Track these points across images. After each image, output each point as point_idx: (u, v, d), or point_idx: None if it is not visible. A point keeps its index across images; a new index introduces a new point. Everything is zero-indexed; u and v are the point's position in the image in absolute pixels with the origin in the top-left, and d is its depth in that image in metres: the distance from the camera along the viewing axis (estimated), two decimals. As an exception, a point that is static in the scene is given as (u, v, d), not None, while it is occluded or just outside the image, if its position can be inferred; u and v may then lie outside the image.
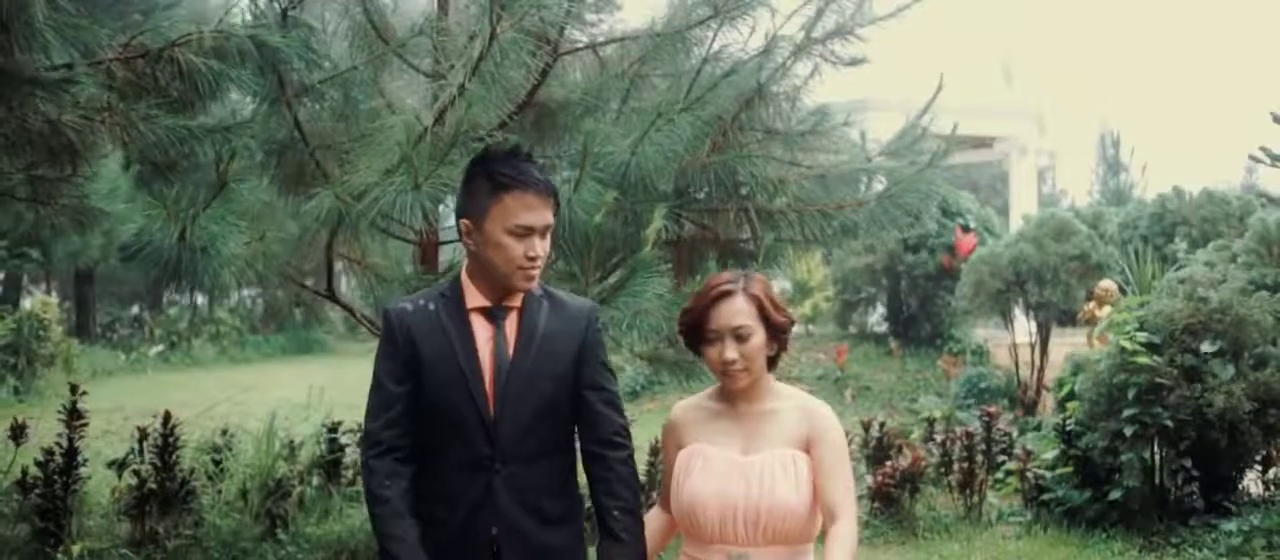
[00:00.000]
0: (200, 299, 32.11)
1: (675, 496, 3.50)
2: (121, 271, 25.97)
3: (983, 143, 27.45)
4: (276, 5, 5.75)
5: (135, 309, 30.95)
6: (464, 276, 3.50)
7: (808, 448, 3.43)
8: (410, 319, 3.44)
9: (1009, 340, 17.49)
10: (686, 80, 5.90)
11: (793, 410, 3.51)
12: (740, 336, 3.42)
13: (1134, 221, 21.02)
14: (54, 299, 18.66)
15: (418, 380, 3.41)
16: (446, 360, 3.40)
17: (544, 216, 3.40)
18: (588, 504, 3.58)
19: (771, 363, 3.55)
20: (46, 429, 8.32)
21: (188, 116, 5.77)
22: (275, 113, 5.98)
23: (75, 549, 7.16)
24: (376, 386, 3.46)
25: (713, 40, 6.09)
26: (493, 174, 3.38)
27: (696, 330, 3.50)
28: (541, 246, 3.40)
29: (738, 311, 3.44)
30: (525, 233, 3.35)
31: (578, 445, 3.59)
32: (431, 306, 3.47)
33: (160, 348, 24.17)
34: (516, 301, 3.48)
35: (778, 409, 3.51)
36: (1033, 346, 16.75)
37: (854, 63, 6.32)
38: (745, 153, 6.03)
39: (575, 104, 6.22)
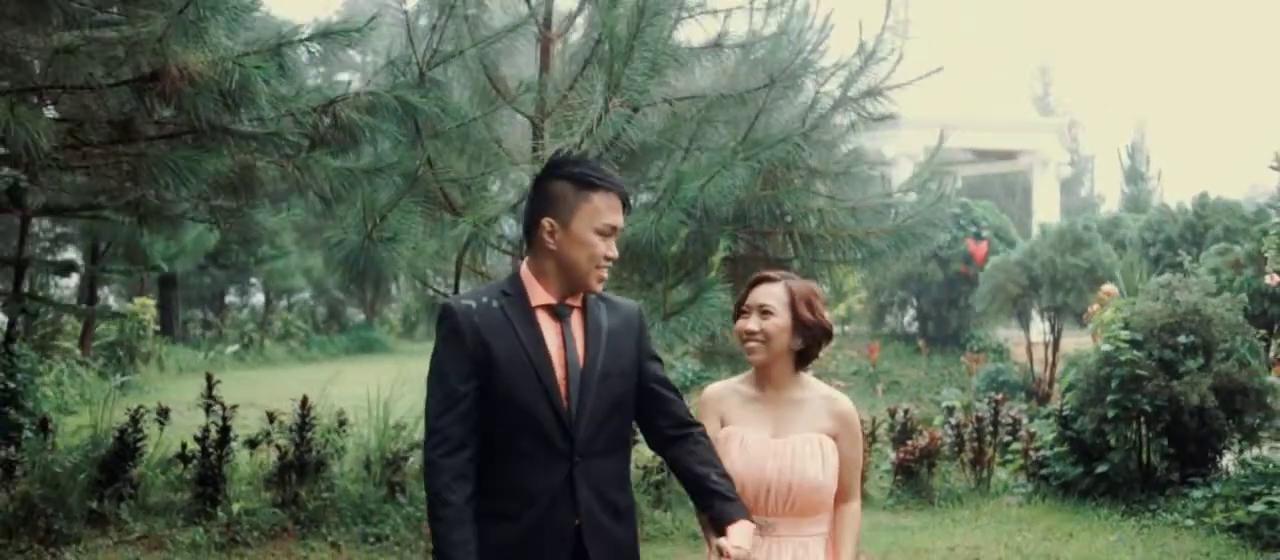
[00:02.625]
0: (259, 299, 33.81)
1: None
2: (191, 277, 27.47)
3: (1009, 155, 28.79)
4: (414, 68, 7.20)
5: (198, 312, 32.36)
6: (526, 274, 3.54)
7: (834, 435, 3.73)
8: (477, 317, 3.44)
9: (1026, 340, 18.87)
10: (743, 128, 7.33)
11: (818, 400, 3.78)
12: (764, 312, 3.71)
13: (1156, 225, 21.84)
14: (151, 301, 20.10)
15: (485, 378, 3.42)
16: (518, 357, 3.42)
17: (621, 218, 3.55)
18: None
19: (801, 360, 3.80)
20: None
21: (344, 159, 7.25)
22: (411, 152, 7.43)
23: (234, 508, 8.66)
24: (440, 382, 3.45)
25: (767, 99, 7.48)
26: (578, 176, 3.49)
27: (738, 306, 3.84)
28: (615, 250, 3.54)
29: (769, 293, 3.75)
30: (610, 231, 3.49)
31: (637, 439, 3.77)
32: (495, 304, 3.48)
33: (235, 347, 25.67)
34: (578, 301, 3.57)
35: (805, 398, 3.78)
36: (1047, 345, 18.08)
37: (883, 118, 7.70)
38: (791, 189, 7.44)
39: (652, 145, 7.65)
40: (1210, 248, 16.06)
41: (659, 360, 3.76)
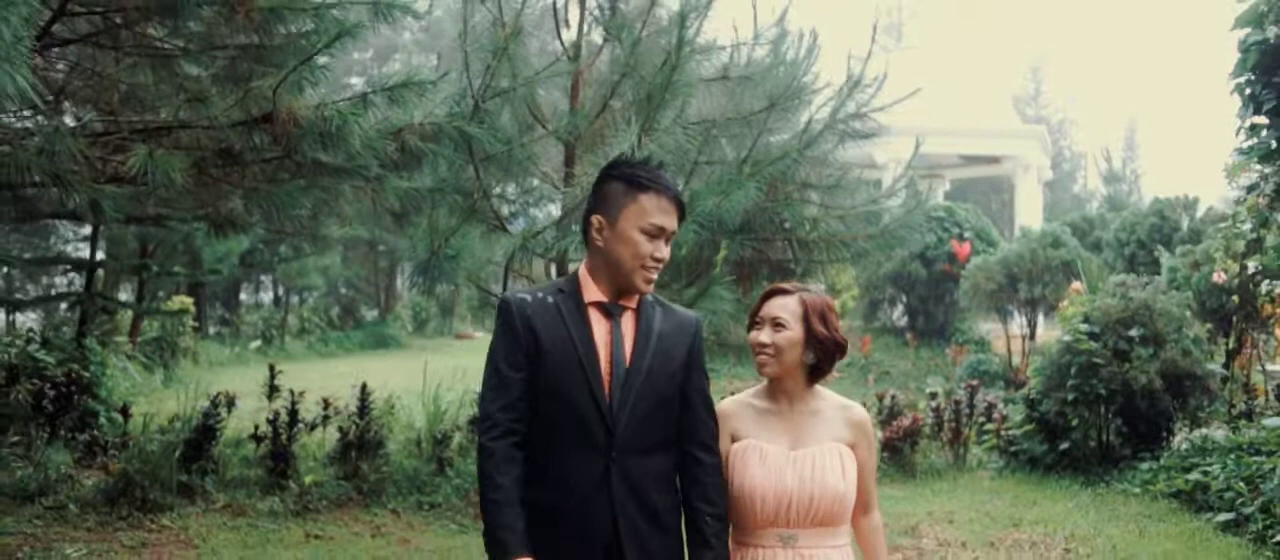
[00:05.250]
0: (269, 297, 34.91)
1: (730, 485, 3.70)
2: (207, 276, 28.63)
3: (994, 160, 30.21)
4: (469, 101, 8.39)
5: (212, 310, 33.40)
6: (583, 273, 3.61)
7: (851, 444, 3.70)
8: (530, 310, 3.51)
9: (1005, 333, 20.17)
10: (746, 145, 8.59)
11: (834, 410, 3.75)
12: (776, 325, 3.67)
13: (1130, 226, 22.84)
14: (190, 300, 21.31)
15: (535, 368, 3.48)
16: (565, 350, 3.48)
17: (672, 221, 3.55)
18: None
19: (813, 375, 3.74)
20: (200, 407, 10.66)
21: (406, 180, 8.47)
22: (465, 172, 8.64)
23: (306, 480, 9.91)
24: (494, 371, 3.52)
25: (767, 121, 8.73)
26: (631, 177, 3.52)
27: (751, 318, 3.81)
28: (665, 251, 3.54)
29: (783, 306, 3.70)
30: (656, 232, 3.50)
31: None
32: (550, 299, 3.54)
33: (257, 343, 26.91)
34: (632, 302, 3.60)
35: (820, 409, 3.74)
36: (1024, 338, 19.39)
37: (868, 136, 9.00)
38: (789, 201, 8.72)
39: (666, 162, 8.88)
40: (1176, 248, 17.24)
41: (706, 375, 3.78)
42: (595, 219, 3.55)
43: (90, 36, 7.88)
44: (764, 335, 3.69)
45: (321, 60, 6.95)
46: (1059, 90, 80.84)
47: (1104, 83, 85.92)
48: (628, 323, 3.60)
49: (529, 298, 3.57)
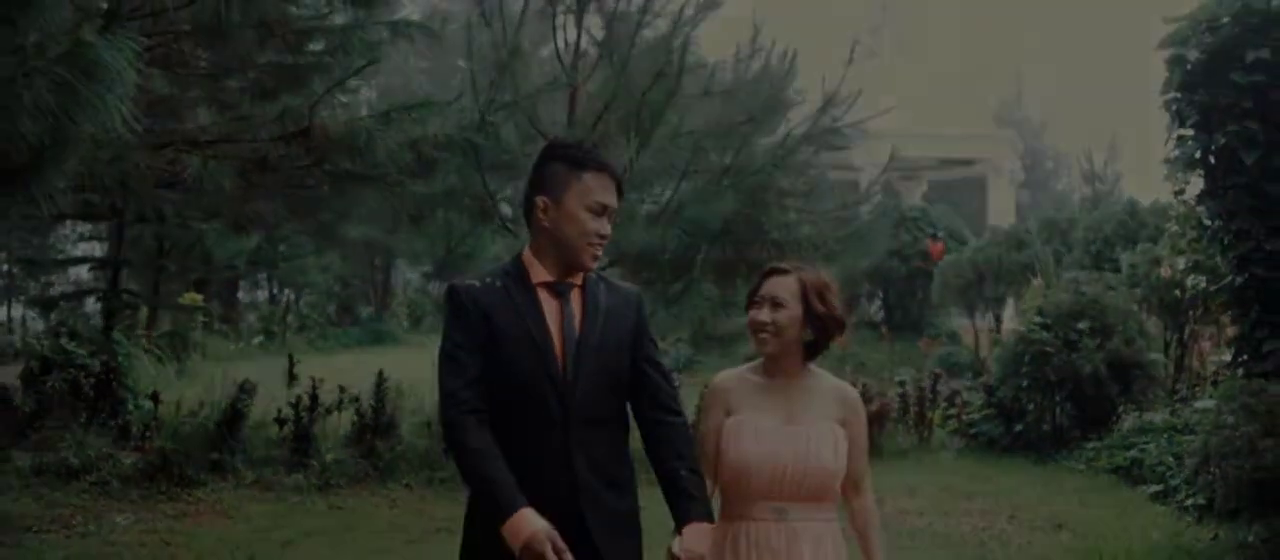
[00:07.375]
0: (264, 295, 35.58)
1: (724, 458, 3.71)
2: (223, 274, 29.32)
3: (967, 163, 31.29)
4: (476, 113, 9.22)
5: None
6: (527, 256, 3.62)
7: (842, 421, 3.72)
8: (479, 294, 3.53)
9: (973, 327, 21.20)
10: (729, 154, 9.55)
11: (828, 390, 3.78)
12: (775, 304, 3.68)
13: (1097, 225, 23.50)
14: (200, 297, 22.10)
15: (491, 351, 3.50)
16: (519, 331, 3.51)
17: (613, 198, 3.60)
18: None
19: (810, 351, 3.78)
20: (220, 399, 11.43)
21: (422, 186, 9.36)
22: (473, 178, 9.57)
23: (327, 458, 10.86)
24: (450, 358, 3.53)
25: (749, 133, 9.70)
26: (572, 156, 3.59)
27: (750, 297, 3.81)
28: (608, 227, 3.60)
29: (781, 286, 3.72)
30: (601, 210, 3.55)
31: (631, 416, 3.75)
32: (498, 283, 3.57)
33: (260, 338, 27.75)
34: (578, 279, 3.63)
35: (814, 387, 3.77)
36: (991, 331, 20.42)
37: (841, 148, 9.98)
38: (767, 208, 9.68)
39: (656, 168, 9.82)
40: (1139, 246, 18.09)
41: (654, 343, 3.83)
42: (540, 200, 3.57)
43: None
44: (763, 314, 3.72)
45: (352, 82, 7.90)
46: (1042, 92, 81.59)
47: (1091, 82, 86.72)
48: (576, 300, 3.63)
49: (478, 283, 3.60)
